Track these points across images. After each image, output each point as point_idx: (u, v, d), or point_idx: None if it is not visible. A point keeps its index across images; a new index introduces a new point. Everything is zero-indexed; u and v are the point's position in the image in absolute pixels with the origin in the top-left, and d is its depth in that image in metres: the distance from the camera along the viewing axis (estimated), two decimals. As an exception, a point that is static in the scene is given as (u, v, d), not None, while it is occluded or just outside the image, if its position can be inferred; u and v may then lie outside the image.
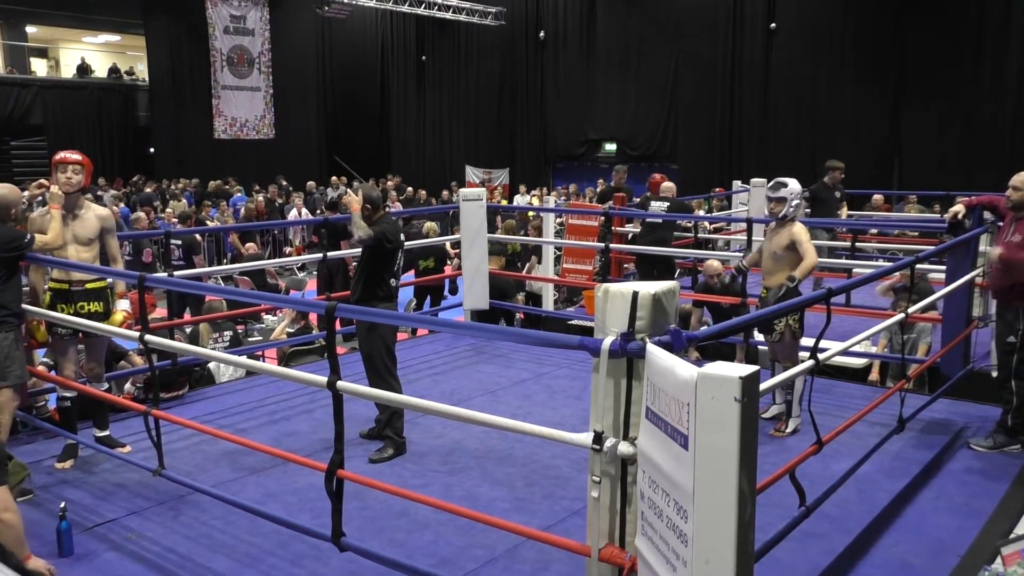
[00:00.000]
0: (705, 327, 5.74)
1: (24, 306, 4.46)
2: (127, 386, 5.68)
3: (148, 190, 19.00)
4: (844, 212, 9.17)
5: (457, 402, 5.45)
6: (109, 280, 4.71)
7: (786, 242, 5.02)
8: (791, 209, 5.04)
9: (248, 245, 11.50)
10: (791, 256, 5.02)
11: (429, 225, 10.61)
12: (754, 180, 10.45)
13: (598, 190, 16.12)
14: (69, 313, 4.48)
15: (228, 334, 7.24)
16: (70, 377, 4.61)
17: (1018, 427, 4.73)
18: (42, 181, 4.63)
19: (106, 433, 4.71)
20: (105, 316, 4.60)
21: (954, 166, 14.98)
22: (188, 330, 7.19)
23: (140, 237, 9.43)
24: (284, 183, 19.10)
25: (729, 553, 1.99)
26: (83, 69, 23.77)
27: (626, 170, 11.12)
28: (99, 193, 15.17)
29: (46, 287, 4.60)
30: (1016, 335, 4.68)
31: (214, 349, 6.72)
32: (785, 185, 5.09)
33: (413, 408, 3.67)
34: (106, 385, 4.82)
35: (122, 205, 15.41)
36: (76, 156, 4.57)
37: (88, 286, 4.56)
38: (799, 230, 5.01)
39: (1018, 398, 4.70)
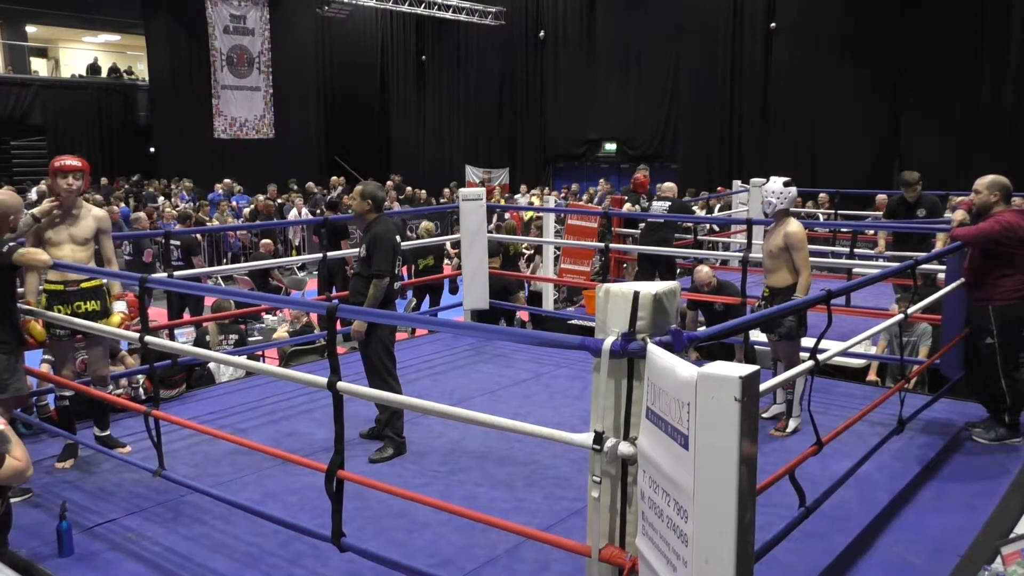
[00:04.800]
0: (702, 328, 5.76)
1: (20, 304, 4.46)
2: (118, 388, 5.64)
3: (150, 189, 19.02)
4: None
5: (457, 402, 5.45)
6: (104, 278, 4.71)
7: (780, 242, 5.02)
8: (767, 207, 5.08)
9: (264, 242, 11.51)
10: (787, 256, 5.01)
11: (425, 225, 10.62)
12: (754, 180, 10.44)
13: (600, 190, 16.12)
14: (66, 314, 4.48)
15: (234, 337, 7.24)
16: (68, 378, 4.61)
17: (1015, 424, 4.79)
18: (55, 203, 4.56)
19: (107, 433, 4.71)
20: (103, 314, 4.60)
21: (954, 166, 14.99)
22: (193, 330, 7.19)
23: (140, 237, 9.43)
24: (293, 187, 19.04)
25: (729, 553, 1.99)
26: (93, 68, 23.81)
27: (647, 169, 11.04)
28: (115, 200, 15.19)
29: (41, 288, 4.59)
30: (992, 336, 4.71)
31: (219, 350, 6.72)
32: (767, 182, 5.16)
33: (413, 408, 3.68)
34: (112, 386, 4.81)
35: (122, 204, 15.40)
36: (76, 163, 4.58)
37: (83, 285, 4.56)
38: (792, 232, 4.98)
39: (1011, 397, 4.74)
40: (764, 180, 5.29)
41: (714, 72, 18.75)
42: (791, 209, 5.16)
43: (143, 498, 4.17)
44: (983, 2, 15.34)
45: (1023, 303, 4.69)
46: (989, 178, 4.79)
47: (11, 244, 4.19)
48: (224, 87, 22.06)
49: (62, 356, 4.65)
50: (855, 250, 8.60)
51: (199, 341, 6.88)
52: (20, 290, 4.65)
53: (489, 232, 7.89)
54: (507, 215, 14.18)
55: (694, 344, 2.55)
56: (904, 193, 7.85)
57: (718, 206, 13.99)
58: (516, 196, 19.24)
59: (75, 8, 23.25)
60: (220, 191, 18.01)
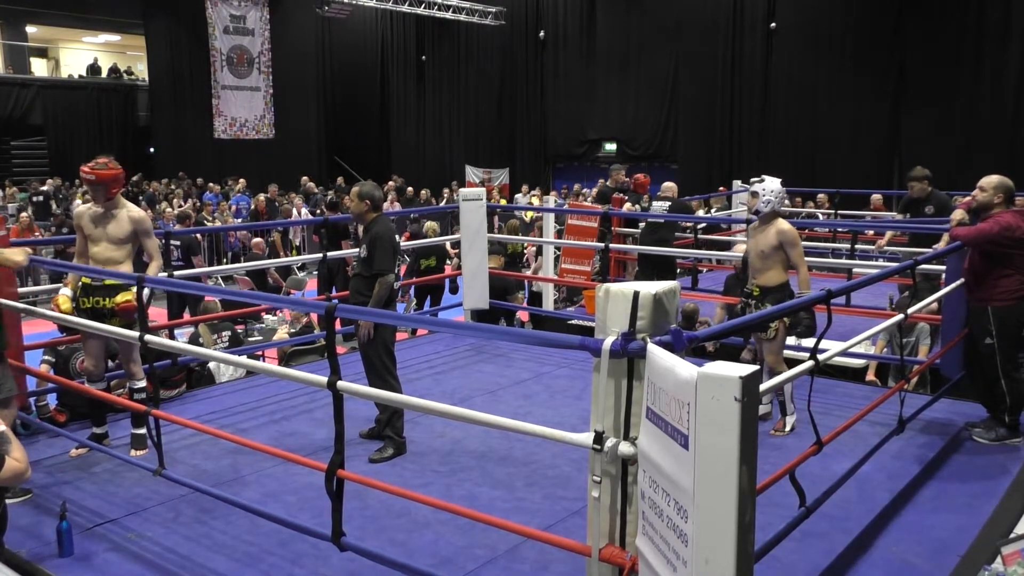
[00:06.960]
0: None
1: (30, 307, 4.57)
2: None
3: (149, 190, 19.02)
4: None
5: (457, 402, 5.45)
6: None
7: (773, 241, 5.00)
8: (763, 205, 5.05)
9: (256, 241, 11.53)
10: (779, 255, 5.00)
11: (430, 225, 10.62)
12: (754, 180, 10.41)
13: (594, 190, 16.09)
14: (88, 306, 4.60)
15: (227, 334, 7.23)
16: (88, 369, 4.76)
17: (1015, 424, 4.78)
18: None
19: (142, 432, 4.71)
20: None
21: (954, 166, 14.96)
22: (189, 330, 7.19)
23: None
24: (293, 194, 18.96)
25: (729, 553, 1.99)
26: (93, 69, 23.83)
27: (624, 169, 11.09)
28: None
29: (80, 282, 4.71)
30: (992, 336, 4.71)
31: (215, 349, 6.71)
32: (762, 181, 5.12)
33: (413, 408, 3.67)
34: (143, 383, 4.81)
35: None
36: (91, 176, 4.63)
37: (106, 282, 4.65)
38: (787, 230, 4.98)
39: (1011, 397, 4.74)
40: (759, 179, 5.25)
41: (714, 72, 18.74)
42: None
43: (143, 498, 4.17)
44: (983, 2, 15.34)
45: (1023, 303, 4.69)
46: (996, 178, 4.76)
47: None
48: (224, 87, 22.06)
49: (86, 347, 4.80)
50: (855, 250, 8.59)
51: (193, 343, 6.88)
52: (36, 287, 4.73)
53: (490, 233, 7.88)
54: (526, 215, 14.22)
55: (696, 344, 2.55)
56: (910, 189, 7.82)
57: (716, 207, 13.98)
58: (516, 196, 19.24)
59: (75, 8, 23.26)
60: (211, 194, 17.99)
